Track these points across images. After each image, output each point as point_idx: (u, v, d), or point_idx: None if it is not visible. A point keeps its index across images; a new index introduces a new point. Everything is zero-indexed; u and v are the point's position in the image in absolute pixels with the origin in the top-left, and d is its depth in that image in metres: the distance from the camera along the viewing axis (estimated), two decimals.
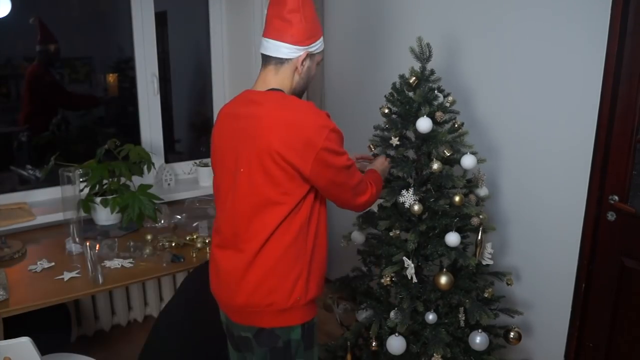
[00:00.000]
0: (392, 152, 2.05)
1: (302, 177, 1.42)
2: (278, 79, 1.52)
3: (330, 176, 1.45)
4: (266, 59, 1.53)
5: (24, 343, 1.64)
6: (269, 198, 1.44)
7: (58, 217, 2.52)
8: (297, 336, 1.53)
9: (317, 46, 1.54)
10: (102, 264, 2.14)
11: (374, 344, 2.03)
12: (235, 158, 1.49)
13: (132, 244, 2.31)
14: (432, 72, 2.04)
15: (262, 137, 1.41)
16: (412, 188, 1.96)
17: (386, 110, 2.08)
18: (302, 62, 1.51)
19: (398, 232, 2.02)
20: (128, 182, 2.59)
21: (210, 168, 1.70)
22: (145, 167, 2.71)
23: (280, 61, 1.50)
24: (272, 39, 1.50)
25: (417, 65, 2.04)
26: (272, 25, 1.51)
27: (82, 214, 2.45)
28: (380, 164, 1.92)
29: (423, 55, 2.01)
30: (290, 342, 1.53)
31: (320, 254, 1.56)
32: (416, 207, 1.92)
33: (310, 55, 1.53)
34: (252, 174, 1.44)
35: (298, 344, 1.54)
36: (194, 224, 2.57)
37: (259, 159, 1.42)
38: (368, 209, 1.94)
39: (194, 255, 2.27)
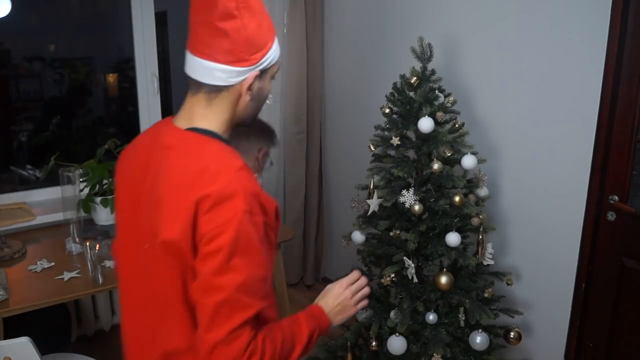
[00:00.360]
0: (392, 152, 2.05)
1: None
2: (210, 114, 1.05)
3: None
4: (195, 83, 1.05)
5: (24, 343, 1.64)
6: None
7: (58, 217, 2.51)
8: None
9: (269, 58, 1.06)
10: (102, 264, 2.14)
11: (374, 344, 2.03)
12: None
13: None
14: (433, 72, 2.05)
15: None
16: (413, 188, 1.96)
17: (387, 110, 2.09)
18: (250, 87, 1.05)
19: (398, 232, 2.03)
20: None
21: None
22: None
23: (216, 89, 1.04)
24: (200, 58, 1.02)
25: (418, 65, 2.05)
26: (198, 37, 1.02)
27: (82, 214, 2.45)
28: (334, 297, 1.24)
29: (424, 55, 2.02)
30: None
31: None
32: (416, 207, 1.92)
33: (261, 74, 1.07)
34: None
35: None
36: None
37: None
38: None
39: None
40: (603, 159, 2.05)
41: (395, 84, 2.10)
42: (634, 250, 2.04)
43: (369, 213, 2.05)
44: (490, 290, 2.02)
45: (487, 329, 2.03)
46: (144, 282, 1.07)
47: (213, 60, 1.01)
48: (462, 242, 1.97)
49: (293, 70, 3.15)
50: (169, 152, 1.04)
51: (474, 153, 1.99)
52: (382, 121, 2.12)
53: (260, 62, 1.05)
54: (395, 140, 2.00)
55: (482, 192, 2.08)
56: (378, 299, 2.13)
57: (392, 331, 1.98)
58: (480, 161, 2.01)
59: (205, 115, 1.06)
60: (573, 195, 2.15)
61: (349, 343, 2.11)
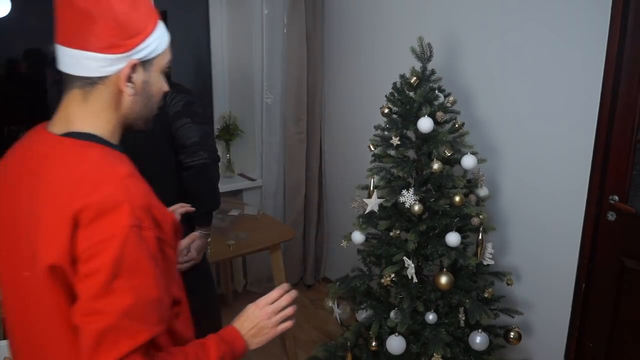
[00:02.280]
0: (392, 152, 2.05)
1: None
2: (87, 113, 0.93)
3: None
4: (68, 78, 0.93)
5: None
6: None
7: None
8: None
9: (150, 46, 0.94)
10: None
11: (374, 344, 2.03)
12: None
13: None
14: (433, 72, 2.05)
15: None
16: (413, 188, 1.96)
17: (387, 110, 2.09)
18: (129, 79, 0.93)
19: (398, 232, 2.03)
20: None
21: None
22: None
23: (90, 82, 0.92)
24: (67, 47, 0.90)
25: (417, 65, 2.05)
26: (62, 24, 0.91)
27: None
28: (250, 318, 1.10)
29: (424, 55, 2.02)
30: None
31: None
32: (416, 207, 1.92)
33: (142, 65, 0.94)
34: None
35: None
36: None
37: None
38: None
39: None
40: (603, 159, 2.05)
41: (395, 84, 2.10)
42: (634, 250, 2.04)
43: (366, 212, 2.05)
44: (490, 290, 2.02)
45: (487, 329, 2.03)
46: (25, 312, 0.95)
47: (80, 48, 0.89)
48: (462, 242, 1.97)
49: (293, 70, 3.15)
50: (44, 164, 0.91)
51: (474, 153, 1.99)
52: (382, 121, 2.12)
53: (137, 48, 0.92)
54: (395, 140, 2.00)
55: (482, 192, 2.08)
56: (378, 299, 2.13)
57: (392, 331, 1.98)
58: (480, 161, 2.01)
59: (82, 116, 0.93)
60: (573, 195, 2.15)
61: (349, 343, 2.11)
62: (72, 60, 0.90)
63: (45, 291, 0.87)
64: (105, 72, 0.91)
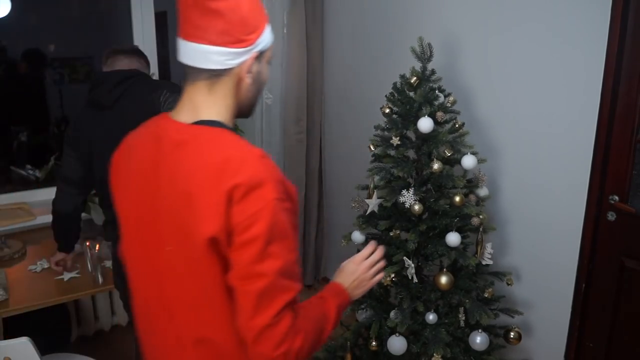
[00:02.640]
0: (392, 152, 2.05)
1: None
2: (213, 102, 1.03)
3: None
4: (192, 71, 1.03)
5: (24, 343, 1.64)
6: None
7: None
8: None
9: (265, 40, 1.05)
10: (102, 264, 2.14)
11: (374, 344, 2.03)
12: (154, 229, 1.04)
13: None
14: (433, 72, 2.05)
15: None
16: (413, 188, 1.96)
17: (387, 110, 2.09)
18: (249, 69, 1.03)
19: (398, 232, 2.03)
20: None
21: None
22: None
23: (216, 74, 1.01)
24: (195, 42, 0.99)
25: (418, 65, 2.05)
26: (190, 21, 1.00)
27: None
28: (350, 273, 1.26)
29: (424, 55, 2.02)
30: None
31: None
32: (416, 207, 1.92)
33: (259, 56, 1.05)
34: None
35: None
36: None
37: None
38: None
39: None
40: (603, 158, 2.05)
41: (395, 84, 2.10)
42: (634, 250, 2.04)
43: (367, 212, 2.05)
44: (490, 290, 2.02)
45: (487, 329, 2.03)
46: (162, 282, 1.05)
47: (208, 43, 0.98)
48: (462, 242, 1.97)
49: (293, 70, 3.15)
50: (185, 149, 1.00)
51: (474, 153, 1.99)
52: (382, 121, 2.12)
53: (257, 42, 1.02)
54: (395, 140, 2.00)
55: (482, 192, 2.08)
56: (378, 299, 2.13)
57: (392, 331, 1.98)
58: (480, 161, 2.01)
59: (208, 104, 1.03)
60: (573, 195, 2.15)
61: (348, 343, 2.11)
62: (199, 54, 0.99)
63: (203, 261, 0.97)
64: (230, 64, 1.01)
